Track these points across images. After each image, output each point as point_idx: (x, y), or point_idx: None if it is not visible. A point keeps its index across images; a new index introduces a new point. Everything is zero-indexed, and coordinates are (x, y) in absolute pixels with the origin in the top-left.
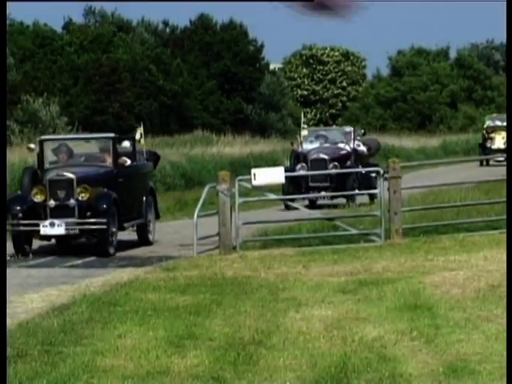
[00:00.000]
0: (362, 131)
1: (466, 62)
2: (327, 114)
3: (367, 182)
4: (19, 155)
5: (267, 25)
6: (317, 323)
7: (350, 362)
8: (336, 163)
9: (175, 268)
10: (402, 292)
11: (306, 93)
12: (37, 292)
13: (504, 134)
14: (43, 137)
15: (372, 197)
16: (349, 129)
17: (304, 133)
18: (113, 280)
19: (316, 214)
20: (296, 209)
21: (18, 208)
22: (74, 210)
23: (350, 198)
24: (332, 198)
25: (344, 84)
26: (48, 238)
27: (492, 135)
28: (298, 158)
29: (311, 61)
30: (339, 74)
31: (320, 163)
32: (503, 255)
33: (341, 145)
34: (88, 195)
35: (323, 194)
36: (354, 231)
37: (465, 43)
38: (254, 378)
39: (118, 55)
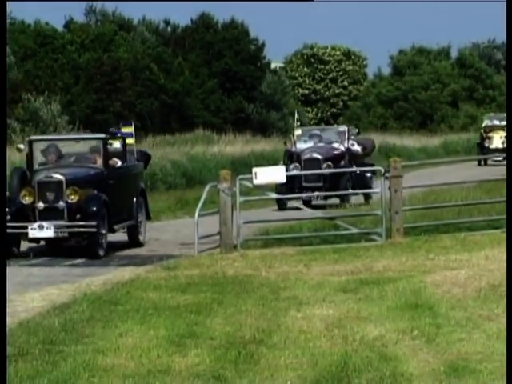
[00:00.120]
0: (357, 130)
1: (467, 62)
2: (328, 113)
3: (362, 182)
4: (20, 154)
5: (268, 24)
6: (318, 322)
7: (350, 361)
8: (329, 163)
9: (176, 267)
10: (403, 291)
11: (307, 92)
12: (38, 291)
13: (502, 133)
14: (32, 137)
15: (367, 197)
16: (343, 128)
17: (298, 132)
18: (114, 279)
19: (317, 213)
20: (290, 209)
21: (7, 210)
22: (63, 212)
23: (345, 199)
24: (326, 198)
25: (345, 83)
26: (37, 240)
27: (490, 135)
28: (291, 157)
29: (312, 60)
30: (340, 73)
31: (313, 163)
32: (504, 254)
33: (335, 144)
34: (77, 197)
35: (319, 193)
36: (354, 230)
37: (466, 42)
38: (254, 377)
39: (119, 54)
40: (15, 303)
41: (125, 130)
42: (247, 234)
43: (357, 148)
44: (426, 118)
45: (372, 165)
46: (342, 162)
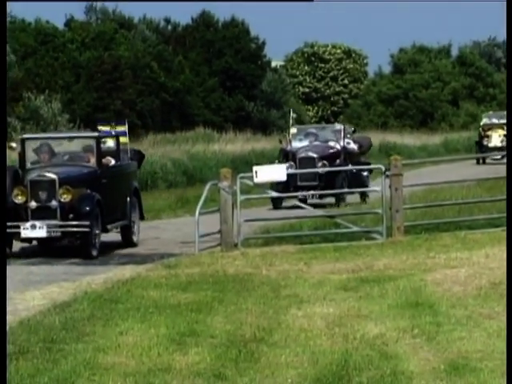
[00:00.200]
0: (352, 129)
1: (468, 60)
2: (329, 112)
3: (358, 181)
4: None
5: (269, 22)
6: (318, 320)
7: (351, 359)
8: (325, 162)
9: (177, 265)
10: (404, 289)
11: (307, 90)
12: (38, 289)
13: (501, 131)
14: (25, 135)
15: (363, 196)
16: (339, 127)
17: (293, 131)
18: (114, 277)
19: (318, 211)
20: (285, 208)
21: None
22: (55, 211)
23: (341, 197)
24: (321, 197)
25: (346, 81)
26: (29, 240)
27: (489, 133)
28: (286, 156)
29: (313, 58)
30: (341, 71)
31: (309, 162)
32: (505, 253)
33: (331, 143)
34: (70, 196)
35: (317, 192)
36: (355, 229)
37: (466, 41)
38: (255, 375)
39: (119, 52)
40: (16, 301)
41: (119, 128)
42: (248, 233)
43: (353, 146)
44: (427, 116)
45: (368, 163)
46: (338, 161)
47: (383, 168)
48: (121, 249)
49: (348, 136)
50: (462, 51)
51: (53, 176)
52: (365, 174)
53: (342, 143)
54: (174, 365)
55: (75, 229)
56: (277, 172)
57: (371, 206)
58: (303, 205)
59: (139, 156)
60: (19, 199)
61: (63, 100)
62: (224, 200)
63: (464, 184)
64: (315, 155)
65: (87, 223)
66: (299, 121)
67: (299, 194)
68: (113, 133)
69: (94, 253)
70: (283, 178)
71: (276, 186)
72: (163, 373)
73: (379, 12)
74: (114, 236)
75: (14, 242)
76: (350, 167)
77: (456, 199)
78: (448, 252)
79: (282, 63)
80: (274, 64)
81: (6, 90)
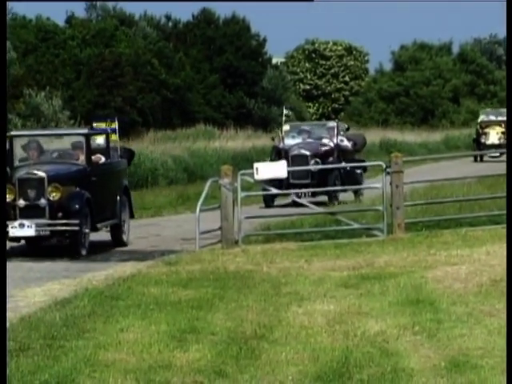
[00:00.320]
0: (346, 126)
1: (469, 57)
2: (330, 109)
3: (352, 179)
4: None
5: (270, 19)
6: (319, 318)
7: (352, 356)
8: (317, 159)
9: (177, 262)
10: (405, 286)
11: (308, 87)
12: (39, 286)
13: (499, 128)
14: (13, 133)
15: (357, 193)
16: (332, 124)
17: (286, 128)
18: (115, 274)
19: (318, 208)
20: (277, 206)
21: None
22: (44, 210)
23: (333, 196)
24: (313, 194)
25: (347, 78)
26: (17, 239)
27: (486, 130)
28: (278, 153)
29: (314, 55)
30: (342, 68)
31: (301, 159)
32: (505, 250)
33: (324, 140)
34: (59, 195)
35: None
36: (356, 226)
37: (467, 38)
38: (256, 373)
39: (120, 49)
40: (17, 298)
41: (109, 125)
42: (248, 230)
43: (346, 144)
44: (428, 113)
45: (362, 161)
46: (331, 159)
47: (384, 165)
48: (121, 246)
49: (341, 133)
50: (463, 48)
51: (41, 174)
52: (358, 171)
53: (335, 141)
54: (175, 362)
55: (64, 227)
56: (278, 169)
57: (372, 203)
58: (304, 202)
59: (129, 154)
60: (7, 197)
61: (64, 97)
62: (225, 197)
63: (465, 181)
64: (308, 153)
65: (76, 222)
66: (300, 118)
67: (291, 191)
68: (108, 130)
69: (84, 252)
70: (284, 174)
71: (268, 184)
72: (164, 369)
73: (380, 9)
74: (99, 236)
75: None
76: (343, 165)
77: (457, 196)
78: (449, 249)
79: (283, 60)
80: (274, 61)
81: (6, 90)
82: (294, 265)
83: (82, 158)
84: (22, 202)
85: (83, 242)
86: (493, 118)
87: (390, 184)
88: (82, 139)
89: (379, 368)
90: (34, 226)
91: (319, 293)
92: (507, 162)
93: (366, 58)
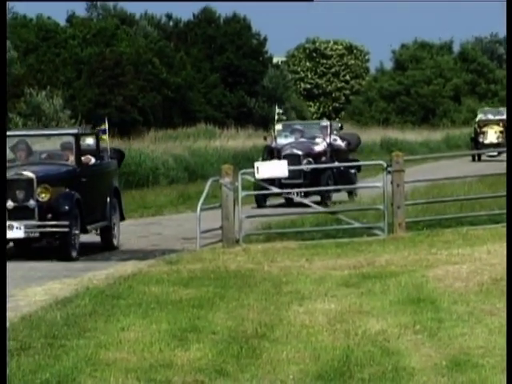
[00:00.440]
0: (340, 125)
1: (470, 56)
2: (330, 108)
3: (345, 179)
4: None
5: (270, 18)
6: (320, 316)
7: (353, 355)
8: (310, 159)
9: (178, 261)
10: (405, 285)
11: (309, 86)
12: (40, 285)
13: (497, 127)
14: None
15: (351, 193)
16: (325, 123)
17: (278, 127)
18: (116, 273)
19: (319, 207)
20: (269, 207)
21: None
22: (33, 211)
23: (327, 196)
24: (306, 195)
25: (347, 77)
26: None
27: (484, 129)
28: (271, 153)
29: (314, 54)
30: (342, 67)
31: (293, 159)
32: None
33: (318, 140)
34: (49, 196)
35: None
36: (357, 225)
37: (468, 37)
38: (257, 372)
39: (121, 48)
40: (17, 297)
41: (99, 126)
42: (249, 229)
43: (339, 143)
44: (428, 112)
45: (356, 161)
46: (324, 158)
47: (385, 164)
48: (121, 245)
49: (335, 133)
50: (464, 47)
51: (30, 175)
52: (352, 171)
53: (328, 140)
54: (176, 361)
55: (54, 229)
56: (278, 168)
57: (373, 202)
58: (306, 202)
59: (119, 155)
60: None
61: (65, 96)
62: (225, 196)
63: (466, 180)
64: (300, 152)
65: (66, 223)
66: (301, 117)
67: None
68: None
69: (74, 254)
70: (285, 173)
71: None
72: (165, 369)
73: (381, 8)
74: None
75: None
76: (336, 164)
77: (458, 195)
78: (450, 248)
79: (284, 59)
80: (275, 60)
81: (6, 90)
82: (295, 264)
83: (72, 158)
84: (10, 204)
85: (73, 244)
86: (491, 116)
87: (391, 183)
88: (71, 140)
89: (380, 367)
90: (22, 227)
91: (320, 292)
92: (507, 161)
93: (366, 57)
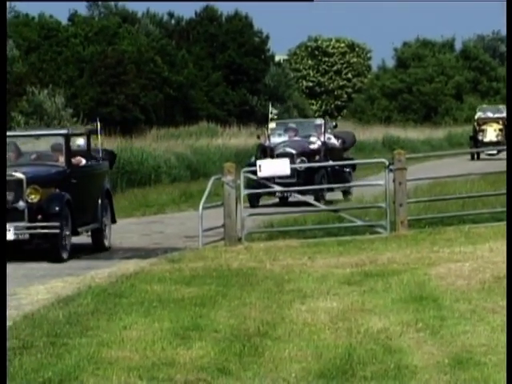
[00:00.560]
0: (334, 124)
1: (472, 54)
2: (332, 106)
3: (340, 178)
4: None
5: (272, 16)
6: (322, 315)
7: (355, 353)
8: (303, 158)
9: (180, 259)
10: (408, 283)
11: (311, 84)
12: (42, 284)
13: (496, 125)
14: None
15: (346, 193)
16: (319, 121)
17: (272, 125)
18: (118, 271)
19: (321, 205)
20: (262, 206)
21: None
22: (23, 212)
23: (321, 195)
24: (300, 194)
25: (349, 75)
26: None
27: (483, 127)
28: (264, 152)
29: (316, 52)
30: (344, 65)
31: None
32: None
33: (312, 138)
34: (39, 197)
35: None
36: (359, 223)
37: (470, 35)
38: (259, 370)
39: (123, 47)
40: (20, 296)
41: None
42: (251, 227)
43: (334, 142)
44: (430, 110)
45: (351, 159)
46: (318, 157)
47: (387, 162)
48: (123, 243)
49: (329, 131)
50: (466, 45)
51: (20, 175)
52: (347, 170)
53: (322, 138)
54: (178, 359)
55: (44, 230)
56: (281, 166)
57: (375, 200)
58: (311, 200)
59: (111, 156)
60: None
61: (67, 94)
62: (227, 194)
63: (468, 178)
64: (294, 151)
65: (57, 224)
66: (303, 115)
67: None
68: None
69: (65, 255)
70: (287, 171)
71: (254, 182)
72: (167, 367)
73: (383, 6)
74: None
75: None
76: (330, 163)
77: (460, 193)
78: (452, 246)
79: (286, 57)
80: (277, 58)
81: (5, 90)
82: (297, 262)
83: (62, 159)
84: None
85: (64, 245)
86: (490, 114)
87: (393, 181)
88: (61, 140)
89: (382, 365)
90: (12, 229)
91: (322, 290)
92: (507, 159)
93: (368, 55)
